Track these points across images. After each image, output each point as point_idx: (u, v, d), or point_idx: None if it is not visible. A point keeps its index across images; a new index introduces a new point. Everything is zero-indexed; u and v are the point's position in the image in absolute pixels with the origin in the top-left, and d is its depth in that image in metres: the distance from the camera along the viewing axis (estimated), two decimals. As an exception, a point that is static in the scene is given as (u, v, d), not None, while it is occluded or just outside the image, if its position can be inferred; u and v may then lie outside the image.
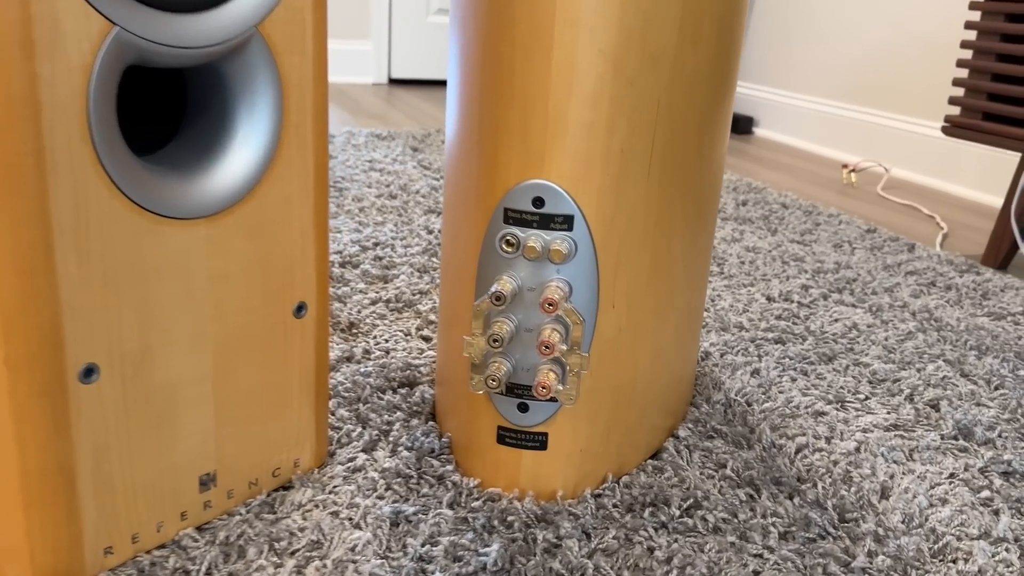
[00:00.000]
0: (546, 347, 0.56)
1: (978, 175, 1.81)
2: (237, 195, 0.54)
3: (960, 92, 1.92)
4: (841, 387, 0.83)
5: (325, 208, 0.60)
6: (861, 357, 0.90)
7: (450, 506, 0.61)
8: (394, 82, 2.97)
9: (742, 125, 2.52)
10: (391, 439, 0.68)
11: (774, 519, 0.61)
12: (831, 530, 0.61)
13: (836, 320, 1.00)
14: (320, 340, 0.62)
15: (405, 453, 0.66)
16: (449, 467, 0.64)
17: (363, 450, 0.67)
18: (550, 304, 0.56)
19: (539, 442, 0.62)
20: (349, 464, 0.65)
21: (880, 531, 0.61)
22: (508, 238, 0.57)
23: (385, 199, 1.38)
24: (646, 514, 0.61)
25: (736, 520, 0.61)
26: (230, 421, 0.58)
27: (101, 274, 0.48)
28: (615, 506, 0.62)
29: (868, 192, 1.77)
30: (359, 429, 0.69)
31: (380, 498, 0.61)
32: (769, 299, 1.05)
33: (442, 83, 3.04)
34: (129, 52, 0.47)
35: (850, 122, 2.15)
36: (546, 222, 0.57)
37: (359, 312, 0.93)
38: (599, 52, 0.54)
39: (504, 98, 0.55)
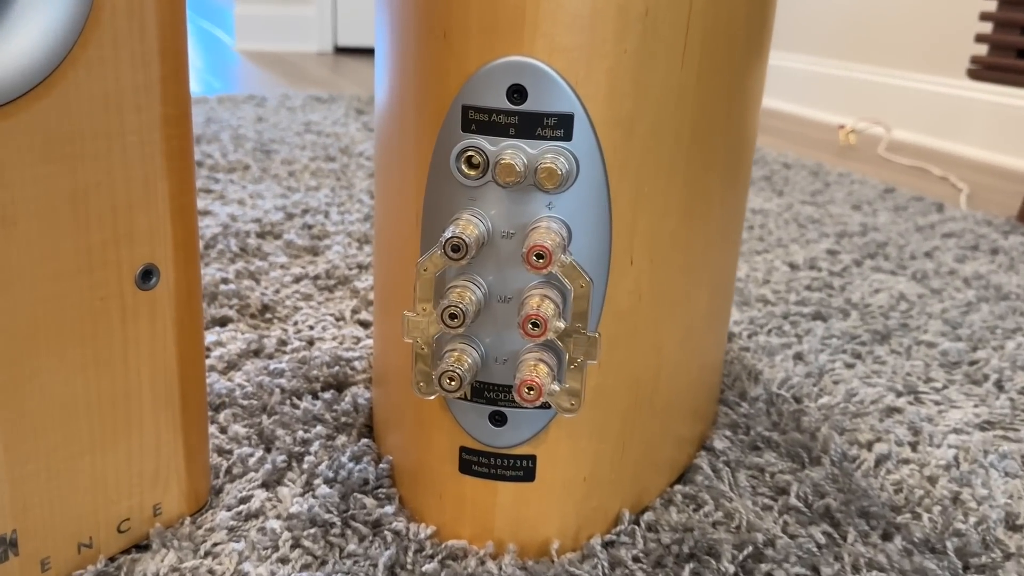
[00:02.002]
0: (534, 325, 0.35)
1: (990, 133, 1.63)
2: (17, 84, 0.33)
3: (987, 28, 1.73)
4: (909, 373, 0.64)
5: (184, 119, 0.39)
6: (921, 335, 0.71)
7: (390, 571, 0.40)
8: (341, 51, 2.73)
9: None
10: (305, 466, 0.47)
11: (874, 573, 0.41)
12: (957, 587, 0.41)
13: (878, 290, 0.81)
14: (186, 322, 0.41)
15: (324, 488, 0.44)
16: (389, 508, 0.43)
17: (263, 484, 0.45)
18: (539, 256, 0.35)
19: (523, 470, 0.41)
20: (240, 508, 0.43)
21: (1029, 586, 0.41)
22: (470, 154, 0.36)
23: (321, 162, 1.16)
24: (686, 573, 0.40)
25: (819, 577, 0.41)
26: (35, 452, 0.37)
27: None
28: (637, 560, 0.41)
29: (869, 154, 1.59)
30: (259, 453, 0.47)
31: (283, 562, 0.40)
32: (792, 267, 0.86)
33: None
34: None
35: (841, 81, 1.97)
36: (530, 126, 0.36)
37: (277, 292, 0.71)
38: None
39: (458, -84, 0.34)
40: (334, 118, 1.47)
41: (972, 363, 0.66)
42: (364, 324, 0.67)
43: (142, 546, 0.41)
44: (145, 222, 0.38)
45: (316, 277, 0.75)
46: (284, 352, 0.60)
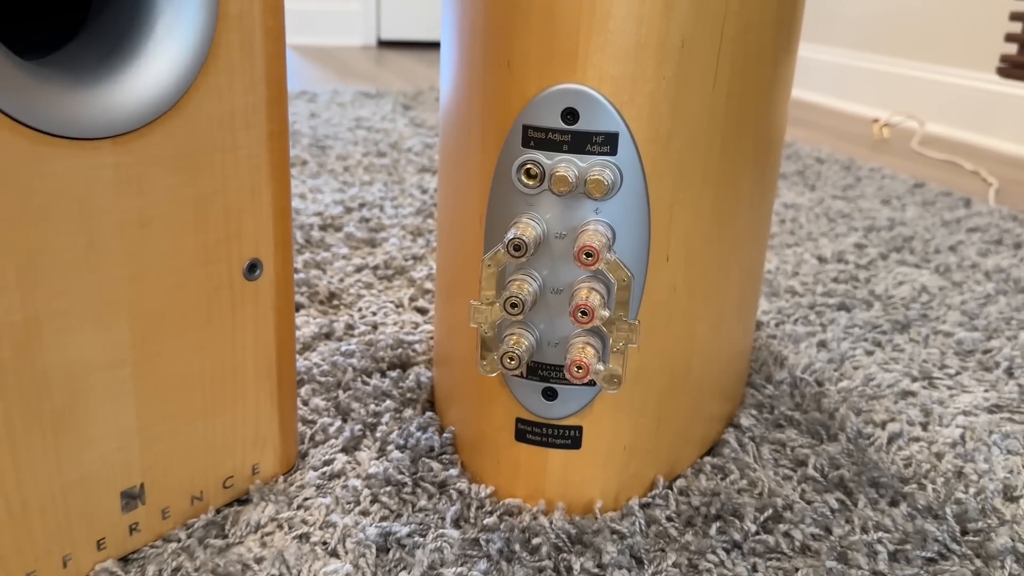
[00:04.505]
0: (583, 313, 0.41)
1: (1023, 128, 1.65)
2: (155, 108, 0.39)
3: (1017, 28, 1.76)
4: (925, 360, 0.69)
5: (284, 134, 0.45)
6: (939, 325, 0.76)
7: (456, 524, 0.46)
8: (384, 44, 2.80)
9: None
10: (378, 435, 0.53)
11: (880, 534, 0.47)
12: (954, 547, 0.46)
13: (901, 283, 0.85)
14: (282, 308, 0.47)
15: (396, 453, 0.51)
16: (453, 471, 0.50)
17: (343, 449, 0.52)
18: (588, 255, 0.41)
19: (571, 438, 0.47)
20: (324, 469, 0.50)
21: (1020, 547, 0.46)
22: (529, 167, 0.42)
23: (373, 157, 1.23)
24: (712, 530, 0.46)
25: (831, 537, 0.46)
26: (160, 417, 0.44)
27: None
28: (670, 520, 0.47)
29: (903, 148, 1.62)
30: (338, 423, 0.54)
31: (364, 514, 0.47)
32: (821, 260, 0.91)
33: (438, 44, 2.87)
34: None
35: (876, 74, 2.00)
36: (581, 143, 0.42)
37: (341, 281, 0.78)
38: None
39: (523, -33, 0.40)
40: (382, 114, 1.54)
41: (986, 351, 0.71)
42: (421, 311, 0.73)
43: (243, 500, 0.48)
44: (252, 223, 0.45)
45: (376, 267, 0.82)
46: (352, 335, 0.67)
